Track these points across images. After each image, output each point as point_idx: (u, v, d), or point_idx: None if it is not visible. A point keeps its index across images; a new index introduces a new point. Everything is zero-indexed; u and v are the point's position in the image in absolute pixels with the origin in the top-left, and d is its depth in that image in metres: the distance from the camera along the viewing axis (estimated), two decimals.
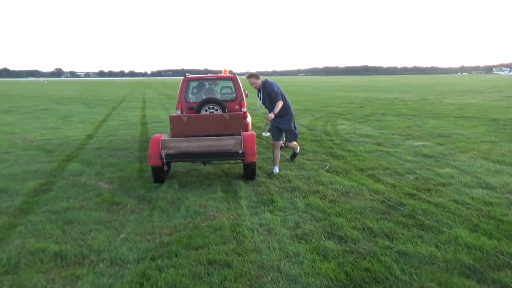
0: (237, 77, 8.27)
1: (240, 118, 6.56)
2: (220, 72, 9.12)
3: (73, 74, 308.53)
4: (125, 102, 24.28)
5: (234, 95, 8.19)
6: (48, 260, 3.44)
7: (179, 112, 7.89)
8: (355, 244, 3.63)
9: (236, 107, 7.99)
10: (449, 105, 18.12)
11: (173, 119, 6.50)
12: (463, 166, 6.49)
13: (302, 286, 2.97)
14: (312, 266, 3.24)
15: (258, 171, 6.22)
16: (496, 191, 5.12)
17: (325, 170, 6.37)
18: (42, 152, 8.40)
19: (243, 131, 6.47)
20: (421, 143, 8.71)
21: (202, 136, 6.48)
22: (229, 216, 4.43)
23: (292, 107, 6.36)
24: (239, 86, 8.12)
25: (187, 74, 8.38)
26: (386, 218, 4.29)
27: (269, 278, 3.08)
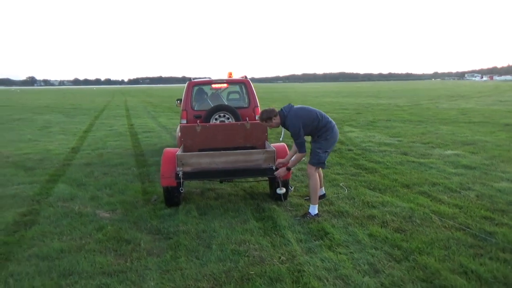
0: (250, 81, 7.24)
1: (264, 127, 5.54)
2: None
3: (46, 82, 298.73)
4: (108, 111, 22.80)
5: (246, 101, 7.15)
6: None
7: (184, 122, 6.80)
8: None
9: (248, 114, 6.94)
10: (448, 110, 17.61)
11: (185, 130, 5.43)
12: None
13: None
14: None
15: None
16: None
17: (337, 195, 5.13)
18: (20, 170, 7.12)
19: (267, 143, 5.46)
20: (451, 152, 7.90)
21: (220, 150, 5.44)
22: (280, 257, 3.39)
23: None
24: (253, 91, 7.09)
25: (191, 78, 7.28)
26: (481, 254, 3.35)
27: None
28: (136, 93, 61.11)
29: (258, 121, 4.72)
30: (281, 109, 4.48)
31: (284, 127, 4.54)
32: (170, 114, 19.27)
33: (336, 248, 3.55)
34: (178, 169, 4.50)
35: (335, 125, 4.51)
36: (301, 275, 3.06)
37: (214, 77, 7.51)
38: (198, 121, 5.81)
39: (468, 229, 3.88)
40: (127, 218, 4.43)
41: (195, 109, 6.98)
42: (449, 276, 2.99)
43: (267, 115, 4.44)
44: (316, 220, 4.25)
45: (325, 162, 4.51)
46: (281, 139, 5.26)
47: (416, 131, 11.00)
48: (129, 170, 6.91)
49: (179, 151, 4.78)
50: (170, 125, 14.10)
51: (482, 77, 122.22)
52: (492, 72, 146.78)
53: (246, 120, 6.02)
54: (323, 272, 3.11)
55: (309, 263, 3.25)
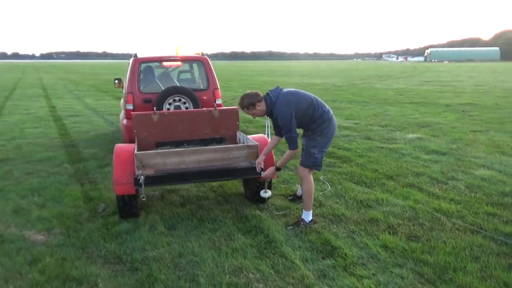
0: (208, 58, 6.21)
1: (235, 114, 4.66)
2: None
3: None
4: (20, 90, 19.79)
5: (205, 83, 6.14)
6: None
7: (130, 107, 5.62)
8: None
9: (208, 98, 5.98)
10: (385, 91, 18.01)
11: (138, 119, 4.34)
12: (494, 165, 5.54)
13: None
14: None
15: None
16: None
17: (323, 193, 4.46)
18: None
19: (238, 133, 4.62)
20: (413, 135, 7.72)
21: (182, 143, 4.48)
22: None
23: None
24: (211, 71, 6.09)
25: (135, 53, 6.01)
26: None
27: None
28: (51, 69, 55.02)
29: (238, 107, 3.83)
30: (267, 94, 3.62)
31: (270, 117, 3.71)
32: (97, 94, 17.24)
33: (353, 270, 2.89)
34: (138, 172, 3.48)
35: (333, 116, 3.78)
36: None
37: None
38: (153, 107, 4.72)
39: (483, 231, 3.47)
40: (70, 241, 3.33)
41: (143, 91, 5.80)
42: None
43: (250, 101, 3.54)
44: (313, 229, 3.55)
45: (322, 163, 3.77)
46: (266, 133, 4.43)
47: (367, 113, 10.83)
48: (60, 168, 5.59)
49: (136, 149, 3.74)
50: (100, 108, 12.42)
51: (397, 58, 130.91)
52: (406, 53, 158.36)
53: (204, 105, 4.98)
54: None
55: None
